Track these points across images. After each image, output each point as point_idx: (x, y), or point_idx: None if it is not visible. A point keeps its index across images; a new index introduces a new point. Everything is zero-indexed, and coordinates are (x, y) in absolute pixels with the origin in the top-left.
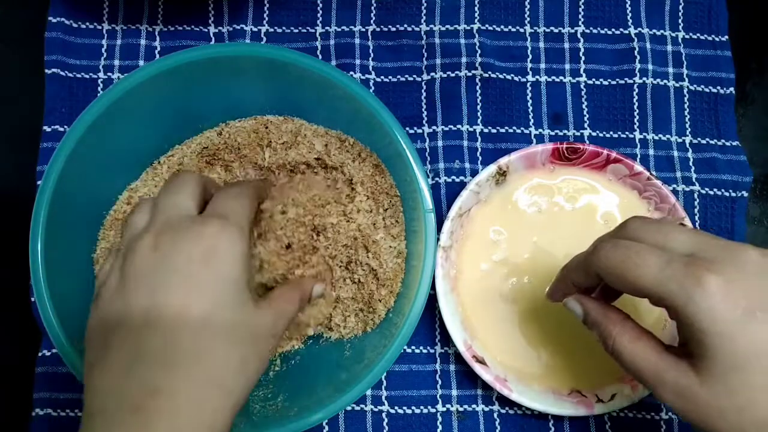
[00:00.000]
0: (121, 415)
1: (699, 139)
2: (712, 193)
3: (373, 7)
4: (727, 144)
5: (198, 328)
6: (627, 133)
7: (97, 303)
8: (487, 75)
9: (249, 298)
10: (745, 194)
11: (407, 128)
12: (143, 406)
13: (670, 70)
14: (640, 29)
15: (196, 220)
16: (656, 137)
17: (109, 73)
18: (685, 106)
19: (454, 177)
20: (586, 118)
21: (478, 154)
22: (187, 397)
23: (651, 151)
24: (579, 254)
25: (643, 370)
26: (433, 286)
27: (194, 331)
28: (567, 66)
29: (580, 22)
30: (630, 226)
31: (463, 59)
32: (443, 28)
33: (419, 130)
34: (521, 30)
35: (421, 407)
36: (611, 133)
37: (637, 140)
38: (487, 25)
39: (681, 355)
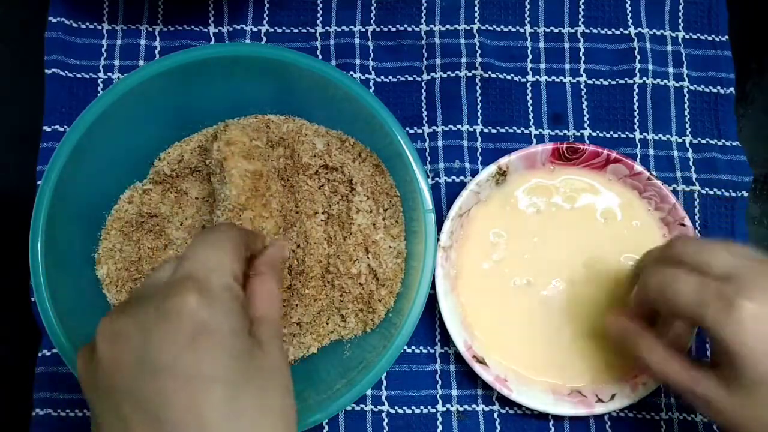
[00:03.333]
0: None
1: (699, 139)
2: (712, 193)
3: (373, 7)
4: (727, 144)
5: (221, 425)
6: (627, 133)
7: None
8: (487, 75)
9: (255, 356)
10: (745, 194)
11: (407, 128)
12: None
13: (670, 70)
14: (640, 29)
15: (168, 292)
16: (656, 137)
17: (109, 73)
18: (685, 106)
19: (454, 177)
20: (586, 118)
21: (478, 154)
22: None
23: (651, 151)
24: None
25: (674, 384)
26: (433, 286)
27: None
28: (567, 66)
29: (580, 22)
30: (674, 246)
31: (463, 59)
32: (443, 28)
33: (419, 130)
34: (521, 30)
35: (421, 407)
36: (611, 133)
37: (637, 140)
38: (487, 25)
39: (709, 368)
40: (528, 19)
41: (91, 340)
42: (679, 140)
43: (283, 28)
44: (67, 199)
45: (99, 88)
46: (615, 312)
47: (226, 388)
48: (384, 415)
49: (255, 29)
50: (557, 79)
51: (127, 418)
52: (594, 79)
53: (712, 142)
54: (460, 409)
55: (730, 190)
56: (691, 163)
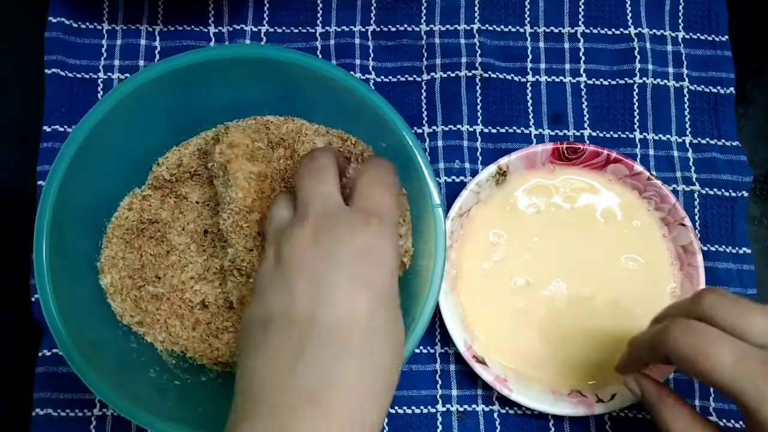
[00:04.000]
0: (293, 407)
1: (699, 139)
2: (712, 193)
3: (373, 7)
4: (727, 144)
5: (364, 326)
6: (627, 133)
7: (255, 295)
8: (487, 75)
9: (396, 296)
10: (745, 194)
11: None
12: (318, 399)
13: (670, 70)
14: (640, 29)
15: (355, 217)
16: (656, 137)
17: (109, 73)
18: (685, 106)
19: (454, 177)
20: (586, 118)
21: (478, 154)
22: (359, 389)
23: (651, 151)
24: (646, 330)
25: None
26: None
27: (361, 329)
28: (567, 66)
29: (580, 22)
30: (705, 302)
31: (463, 59)
32: (443, 28)
33: (419, 130)
34: (521, 30)
35: (421, 407)
36: (611, 133)
37: (637, 140)
38: (487, 25)
39: None
40: (528, 19)
41: (275, 233)
42: (679, 140)
43: (283, 28)
44: (69, 203)
45: (99, 88)
46: (631, 368)
47: (375, 299)
48: None
49: (255, 29)
50: (557, 79)
51: (295, 290)
52: (594, 79)
53: (712, 142)
54: (460, 409)
55: (730, 190)
56: (691, 163)
